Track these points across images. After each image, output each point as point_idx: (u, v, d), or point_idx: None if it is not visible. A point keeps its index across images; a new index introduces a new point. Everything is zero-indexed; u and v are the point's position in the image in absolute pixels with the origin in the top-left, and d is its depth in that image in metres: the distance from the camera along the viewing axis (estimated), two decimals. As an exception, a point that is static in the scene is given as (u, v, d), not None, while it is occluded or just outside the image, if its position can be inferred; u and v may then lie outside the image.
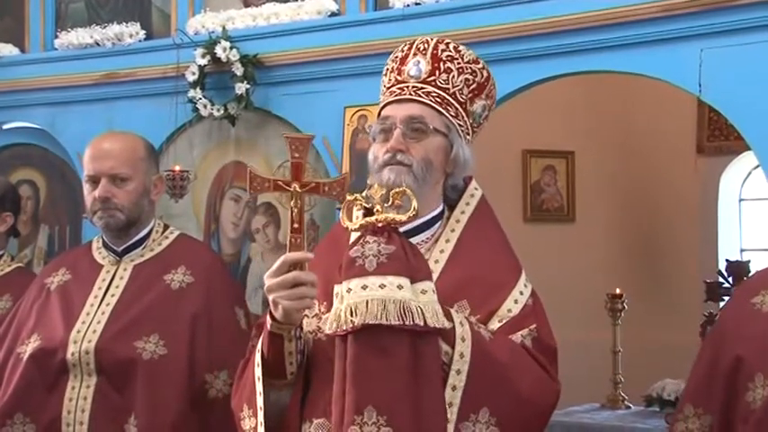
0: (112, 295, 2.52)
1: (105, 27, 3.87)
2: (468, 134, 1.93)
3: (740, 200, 5.51)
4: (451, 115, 1.89)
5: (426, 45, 1.92)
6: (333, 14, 3.45)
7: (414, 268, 1.68)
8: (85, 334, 2.44)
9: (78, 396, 2.41)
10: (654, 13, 2.85)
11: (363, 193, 1.79)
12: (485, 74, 1.94)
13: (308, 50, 3.44)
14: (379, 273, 1.65)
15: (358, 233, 1.80)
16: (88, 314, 2.49)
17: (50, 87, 3.99)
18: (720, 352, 1.76)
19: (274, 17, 3.55)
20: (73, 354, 2.41)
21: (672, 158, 5.46)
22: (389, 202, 1.72)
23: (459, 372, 1.69)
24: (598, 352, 4.56)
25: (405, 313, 1.62)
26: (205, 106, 3.54)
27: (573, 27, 2.98)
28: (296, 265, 1.75)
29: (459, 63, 1.91)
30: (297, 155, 1.80)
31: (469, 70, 1.91)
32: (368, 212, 1.76)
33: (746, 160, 5.21)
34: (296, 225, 1.78)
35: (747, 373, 1.69)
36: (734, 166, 5.43)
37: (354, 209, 1.78)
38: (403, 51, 1.95)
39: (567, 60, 3.04)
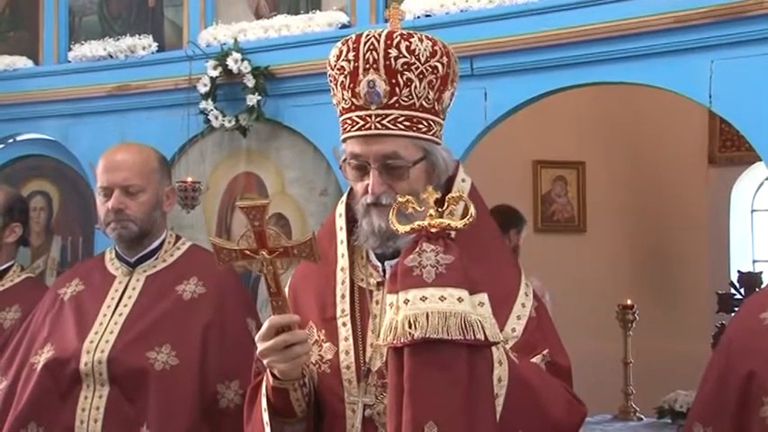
0: (125, 306, 2.52)
1: (118, 39, 3.91)
2: (441, 130, 1.79)
3: (752, 210, 5.49)
4: (424, 132, 1.74)
5: (375, 54, 1.69)
6: (343, 26, 3.47)
7: (471, 279, 1.60)
8: (98, 344, 2.44)
9: (91, 406, 2.41)
10: (664, 25, 2.86)
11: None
12: (445, 61, 1.73)
13: (319, 62, 3.42)
14: (438, 284, 1.57)
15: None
16: (101, 324, 2.49)
17: (64, 99, 4.04)
18: (730, 369, 1.73)
19: (285, 29, 3.58)
20: (86, 364, 2.42)
21: (683, 169, 5.45)
22: (444, 208, 1.62)
23: (497, 396, 1.64)
24: (609, 363, 4.55)
25: (465, 327, 1.55)
26: (217, 117, 3.56)
27: (584, 39, 3.00)
28: (283, 328, 1.70)
29: (417, 67, 1.70)
30: (257, 223, 1.69)
31: (430, 70, 1.71)
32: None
33: (758, 171, 5.19)
34: (273, 290, 1.71)
35: (760, 388, 1.67)
36: (746, 177, 5.42)
37: (395, 211, 1.66)
38: (349, 62, 1.72)
39: (578, 72, 3.06)
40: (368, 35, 1.73)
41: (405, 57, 1.70)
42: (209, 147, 3.74)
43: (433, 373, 1.55)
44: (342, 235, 1.86)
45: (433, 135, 1.76)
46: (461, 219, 1.62)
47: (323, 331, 1.81)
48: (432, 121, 1.75)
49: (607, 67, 3.01)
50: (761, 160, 2.92)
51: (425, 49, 1.71)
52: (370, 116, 1.71)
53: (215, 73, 3.56)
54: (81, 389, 2.42)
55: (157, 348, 2.42)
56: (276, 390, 1.75)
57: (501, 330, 1.73)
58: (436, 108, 1.75)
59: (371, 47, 1.71)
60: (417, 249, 1.60)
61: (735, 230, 5.41)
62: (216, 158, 3.73)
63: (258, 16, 3.72)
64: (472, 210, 1.62)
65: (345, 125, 1.77)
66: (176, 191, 2.92)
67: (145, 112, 3.84)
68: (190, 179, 3.50)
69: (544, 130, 5.10)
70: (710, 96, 2.80)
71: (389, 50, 1.70)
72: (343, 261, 1.84)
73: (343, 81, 1.75)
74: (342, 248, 1.84)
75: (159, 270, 2.58)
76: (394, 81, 1.70)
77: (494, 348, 1.64)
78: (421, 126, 1.73)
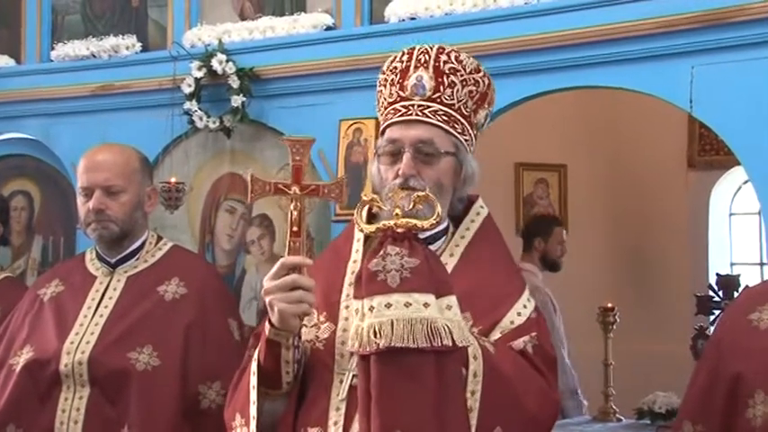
0: (106, 306, 2.52)
1: (102, 39, 3.90)
2: (473, 145, 1.90)
3: (730, 214, 5.55)
4: (458, 132, 1.85)
5: (427, 56, 1.85)
6: (328, 28, 3.48)
7: (438, 282, 1.60)
8: (79, 345, 2.44)
9: (71, 407, 2.41)
10: (646, 30, 2.89)
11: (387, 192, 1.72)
12: (486, 81, 1.89)
13: (304, 64, 3.47)
14: (403, 290, 1.57)
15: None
16: (81, 325, 2.49)
17: (46, 99, 4.01)
18: (718, 369, 1.75)
19: (270, 30, 3.58)
20: (66, 365, 2.41)
21: (663, 173, 5.50)
22: (411, 206, 1.65)
23: (473, 393, 1.65)
24: (590, 365, 4.57)
25: (432, 333, 1.55)
26: (201, 118, 3.56)
27: (566, 43, 3.02)
28: (294, 269, 1.72)
29: (462, 75, 1.85)
30: (298, 158, 1.78)
31: (472, 81, 1.86)
32: (371, 217, 1.67)
33: (736, 175, 5.25)
34: (295, 228, 1.75)
35: (747, 389, 1.69)
36: (724, 181, 5.47)
37: (361, 211, 1.71)
38: (402, 62, 1.87)
39: (561, 75, 3.08)
40: (422, 45, 1.89)
41: (452, 63, 1.86)
42: (193, 147, 3.73)
43: (400, 381, 1.55)
44: (359, 234, 1.90)
45: (465, 140, 1.87)
46: (428, 219, 1.63)
47: (324, 313, 1.82)
48: (466, 127, 1.87)
49: (589, 71, 3.03)
50: (739, 164, 2.96)
51: (471, 64, 1.88)
52: (412, 105, 1.84)
53: (199, 74, 3.55)
54: (61, 390, 2.42)
55: (139, 349, 2.42)
56: (269, 344, 1.75)
57: (499, 321, 1.78)
58: (472, 120, 1.88)
59: (424, 51, 1.87)
60: (381, 252, 1.60)
61: (713, 233, 5.46)
62: (200, 159, 3.73)
63: (243, 17, 3.71)
64: (438, 209, 1.64)
65: (388, 115, 1.87)
66: (159, 191, 2.92)
67: (128, 113, 3.82)
68: (173, 180, 3.49)
69: (526, 133, 5.12)
70: (691, 101, 2.83)
71: (440, 55, 1.86)
72: (356, 255, 1.88)
73: (393, 79, 1.88)
74: (357, 245, 1.89)
75: (140, 270, 2.58)
76: (440, 80, 1.84)
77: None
78: (457, 126, 1.85)
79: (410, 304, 1.55)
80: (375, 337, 1.55)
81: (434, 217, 1.63)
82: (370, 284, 1.58)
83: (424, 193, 1.67)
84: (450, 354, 1.57)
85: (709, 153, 5.42)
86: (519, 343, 1.77)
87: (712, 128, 2.90)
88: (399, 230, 1.61)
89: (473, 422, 1.64)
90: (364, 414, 1.59)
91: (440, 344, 1.55)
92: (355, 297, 1.63)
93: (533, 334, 1.79)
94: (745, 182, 5.10)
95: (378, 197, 1.70)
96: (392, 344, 1.54)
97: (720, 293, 3.81)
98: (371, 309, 1.57)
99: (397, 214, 1.62)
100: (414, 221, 1.62)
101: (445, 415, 1.57)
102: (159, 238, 2.67)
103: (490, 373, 1.66)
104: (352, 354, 1.75)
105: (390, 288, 1.57)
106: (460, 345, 1.58)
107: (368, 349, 1.56)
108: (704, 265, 5.30)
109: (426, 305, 1.56)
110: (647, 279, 5.51)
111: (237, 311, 2.73)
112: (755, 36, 2.73)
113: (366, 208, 1.75)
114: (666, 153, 5.48)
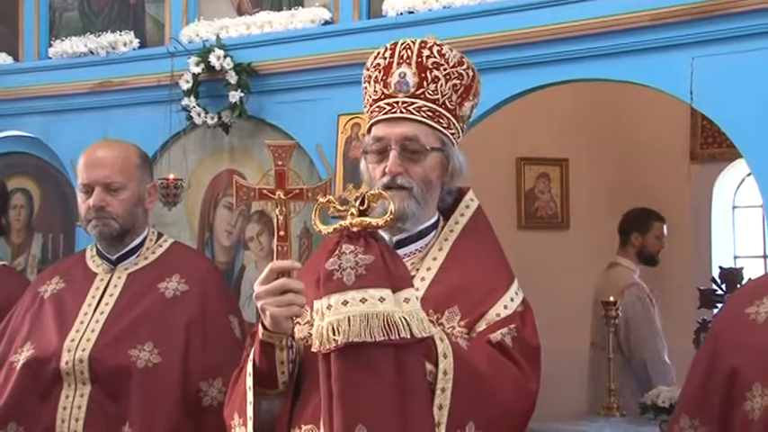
0: (106, 303, 2.52)
1: (99, 36, 3.90)
2: (460, 137, 1.92)
3: (733, 207, 5.53)
4: (444, 126, 1.87)
5: (409, 52, 1.87)
6: (326, 23, 3.47)
7: (394, 277, 1.64)
8: (79, 342, 2.44)
9: (72, 405, 2.41)
10: (645, 22, 2.87)
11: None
12: (470, 74, 1.91)
13: (302, 59, 3.46)
14: (358, 286, 1.61)
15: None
16: (82, 322, 2.49)
17: (44, 96, 4.01)
18: (715, 362, 1.75)
19: (268, 26, 3.57)
20: (67, 362, 2.41)
21: (665, 166, 5.48)
22: (365, 206, 1.68)
23: (443, 390, 1.67)
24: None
25: (389, 327, 1.59)
26: (199, 114, 3.55)
27: (566, 35, 3.01)
28: (284, 273, 1.74)
29: (445, 69, 1.86)
30: (280, 162, 1.80)
31: (456, 74, 1.87)
32: (362, 213, 1.70)
33: (739, 167, 5.22)
34: (282, 233, 1.77)
35: (744, 383, 1.68)
36: (727, 174, 5.45)
37: (317, 212, 1.74)
38: (385, 59, 1.89)
39: (561, 68, 3.07)
40: (405, 40, 1.90)
41: (435, 57, 1.87)
42: (191, 144, 3.73)
43: (360, 376, 1.59)
44: None
45: (452, 134, 1.88)
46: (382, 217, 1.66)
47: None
48: (452, 121, 1.88)
49: (589, 63, 3.02)
50: (742, 157, 2.94)
51: (454, 57, 1.89)
52: (397, 102, 1.86)
53: (197, 69, 3.54)
54: (62, 387, 2.43)
55: (140, 346, 2.42)
56: (263, 346, 1.77)
57: (485, 313, 1.80)
58: (457, 113, 1.89)
59: (407, 46, 1.88)
60: (337, 252, 1.65)
61: (716, 226, 5.44)
62: (198, 155, 3.73)
63: (240, 13, 3.71)
64: (392, 207, 1.67)
65: (373, 113, 1.90)
66: (158, 188, 2.92)
67: (127, 109, 3.82)
68: (172, 176, 3.49)
69: (527, 128, 5.11)
70: (692, 93, 2.82)
71: (423, 50, 1.87)
72: None
73: (376, 76, 1.90)
74: None
75: (141, 267, 2.58)
76: (423, 75, 1.85)
77: (438, 342, 1.69)
78: (442, 121, 1.87)
79: (366, 300, 1.59)
80: (334, 334, 1.59)
81: (388, 215, 1.66)
82: (327, 283, 1.63)
83: (377, 192, 1.70)
84: (409, 346, 1.62)
85: (712, 146, 5.40)
86: (497, 335, 1.78)
87: (713, 119, 2.88)
88: (355, 229, 1.65)
89: (444, 419, 1.66)
90: (327, 413, 1.61)
91: (397, 336, 1.59)
92: (316, 298, 1.66)
93: (512, 326, 1.80)
94: (748, 174, 5.08)
95: (334, 199, 1.73)
96: (350, 339, 1.58)
97: (723, 287, 3.80)
98: (329, 307, 1.61)
99: (352, 214, 1.66)
100: (368, 220, 1.65)
101: (408, 409, 1.60)
102: (160, 235, 2.67)
103: (462, 370, 1.68)
104: None
105: (346, 286, 1.61)
106: (419, 336, 1.61)
107: (327, 347, 1.60)
108: (707, 259, 5.29)
109: (382, 300, 1.60)
110: (649, 273, 5.50)
111: (238, 308, 2.73)
112: (756, 27, 2.72)
113: (359, 203, 1.75)
114: (668, 146, 5.46)
